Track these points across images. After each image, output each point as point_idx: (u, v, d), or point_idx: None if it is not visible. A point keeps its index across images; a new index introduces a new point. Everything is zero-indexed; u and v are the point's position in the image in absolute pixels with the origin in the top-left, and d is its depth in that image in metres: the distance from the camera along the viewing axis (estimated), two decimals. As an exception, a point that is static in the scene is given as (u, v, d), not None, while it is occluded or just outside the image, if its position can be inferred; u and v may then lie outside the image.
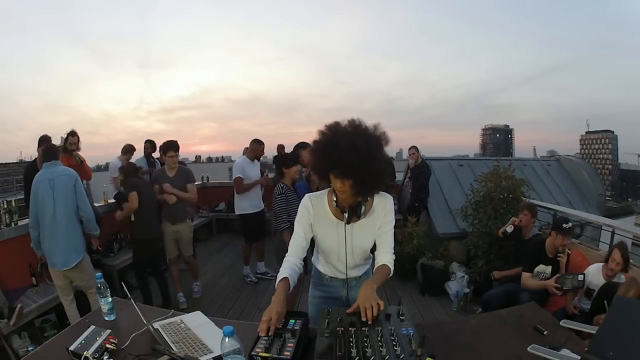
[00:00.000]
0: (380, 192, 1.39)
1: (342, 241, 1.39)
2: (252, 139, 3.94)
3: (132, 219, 3.09)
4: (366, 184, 1.23)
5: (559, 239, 2.63)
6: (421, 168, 4.74)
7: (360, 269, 1.55)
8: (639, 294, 2.01)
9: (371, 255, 1.52)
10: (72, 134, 3.60)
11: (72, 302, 2.66)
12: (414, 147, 4.82)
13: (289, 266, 1.37)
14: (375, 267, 1.41)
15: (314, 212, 1.40)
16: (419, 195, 4.73)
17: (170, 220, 3.36)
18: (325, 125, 1.28)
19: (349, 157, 1.16)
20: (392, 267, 1.40)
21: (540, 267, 2.69)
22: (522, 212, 3.20)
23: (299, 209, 1.43)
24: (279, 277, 1.32)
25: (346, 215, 1.33)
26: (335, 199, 1.34)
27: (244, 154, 4.10)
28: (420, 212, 4.65)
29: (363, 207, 1.34)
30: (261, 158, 4.23)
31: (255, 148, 3.90)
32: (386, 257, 1.41)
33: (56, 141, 3.57)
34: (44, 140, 3.18)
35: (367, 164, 1.18)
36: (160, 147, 3.34)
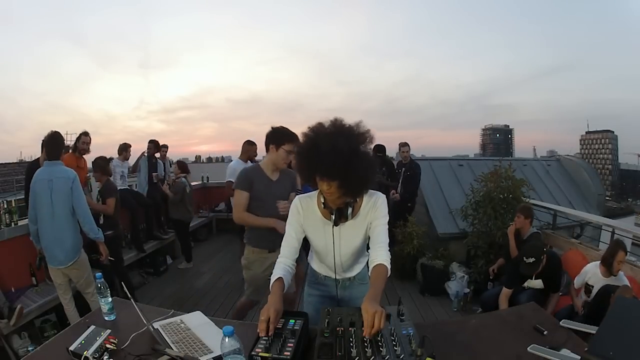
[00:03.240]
0: (370, 190, 1.37)
1: (330, 243, 1.40)
2: (245, 140, 3.86)
3: (101, 221, 3.22)
4: (352, 184, 1.21)
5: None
6: (412, 170, 4.58)
7: (354, 269, 1.55)
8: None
9: (367, 253, 1.49)
10: (85, 134, 3.58)
11: (71, 301, 2.66)
12: (408, 145, 4.70)
13: (282, 267, 1.38)
14: (371, 267, 1.34)
15: (303, 214, 1.41)
16: (410, 197, 4.63)
17: (269, 247, 2.23)
18: (308, 127, 1.26)
19: (330, 159, 1.14)
20: (389, 266, 1.33)
21: (530, 283, 2.71)
22: (515, 215, 3.25)
23: (290, 211, 1.44)
24: (273, 277, 1.32)
25: (333, 216, 1.33)
26: (323, 201, 1.33)
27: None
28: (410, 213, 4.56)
29: (351, 209, 1.33)
30: (255, 158, 4.20)
31: (248, 149, 3.83)
32: (381, 253, 1.35)
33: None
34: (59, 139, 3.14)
35: (351, 164, 1.15)
36: (268, 135, 2.20)
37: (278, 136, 2.17)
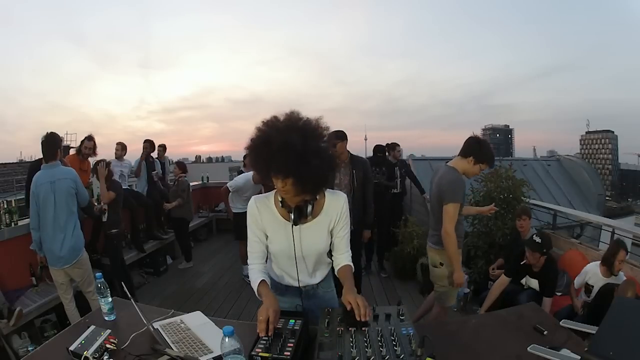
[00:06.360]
0: (335, 191, 1.34)
1: (291, 243, 1.30)
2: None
3: (105, 219, 3.28)
4: (307, 181, 1.15)
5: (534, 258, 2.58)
6: (404, 167, 4.51)
7: (317, 276, 1.44)
8: (635, 296, 2.03)
9: (330, 260, 1.45)
10: (89, 138, 3.59)
11: (72, 300, 2.67)
12: (399, 145, 4.68)
13: (258, 270, 1.33)
14: (338, 270, 1.37)
15: (260, 215, 1.33)
16: (404, 194, 4.56)
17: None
18: (262, 122, 1.21)
19: (283, 155, 1.10)
20: (352, 264, 1.37)
21: (529, 281, 2.71)
22: (520, 219, 3.22)
23: (247, 214, 1.36)
24: (255, 282, 1.27)
25: (292, 215, 1.24)
26: (281, 199, 1.25)
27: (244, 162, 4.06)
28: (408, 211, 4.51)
29: (311, 207, 1.26)
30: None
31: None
32: (345, 257, 1.37)
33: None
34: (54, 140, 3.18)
35: (304, 160, 1.10)
36: (473, 145, 2.21)
37: (482, 154, 2.18)
